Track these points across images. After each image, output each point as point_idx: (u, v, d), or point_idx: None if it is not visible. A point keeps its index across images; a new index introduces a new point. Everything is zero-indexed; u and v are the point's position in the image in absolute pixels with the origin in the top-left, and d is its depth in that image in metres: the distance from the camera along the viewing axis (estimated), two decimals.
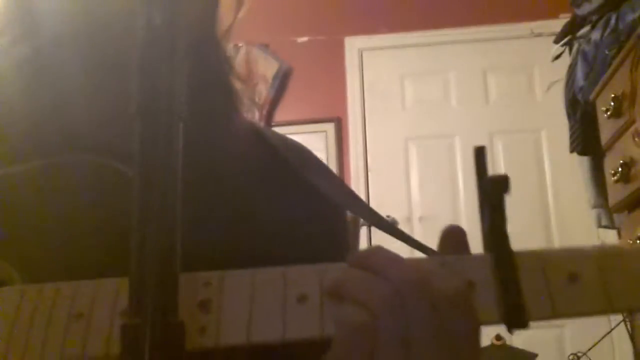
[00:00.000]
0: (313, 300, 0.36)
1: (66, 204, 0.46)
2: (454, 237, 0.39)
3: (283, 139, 0.64)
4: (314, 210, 0.58)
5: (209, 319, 0.35)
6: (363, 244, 2.69)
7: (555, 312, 0.36)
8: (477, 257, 0.37)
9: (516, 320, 0.35)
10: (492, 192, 0.37)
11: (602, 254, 0.37)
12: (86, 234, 0.45)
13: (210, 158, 0.52)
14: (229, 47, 0.61)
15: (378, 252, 0.36)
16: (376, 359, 0.33)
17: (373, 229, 2.91)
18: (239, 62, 3.27)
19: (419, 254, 0.47)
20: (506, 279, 0.36)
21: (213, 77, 0.59)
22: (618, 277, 0.36)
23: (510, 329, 0.36)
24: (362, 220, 2.84)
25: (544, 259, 0.37)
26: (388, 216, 2.99)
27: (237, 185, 0.55)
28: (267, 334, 0.35)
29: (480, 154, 0.38)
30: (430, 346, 0.33)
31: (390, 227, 0.52)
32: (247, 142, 0.60)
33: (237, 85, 0.61)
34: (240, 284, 0.37)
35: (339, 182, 0.60)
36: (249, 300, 0.36)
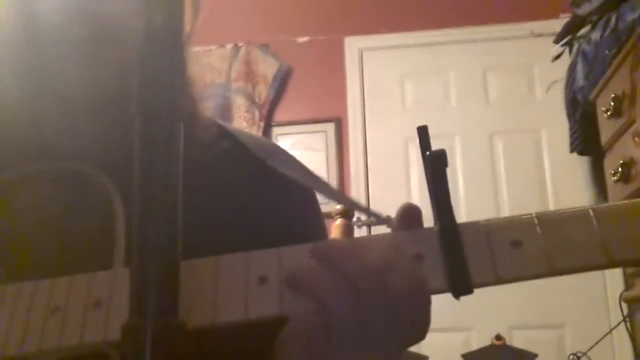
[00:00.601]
0: (273, 281, 0.38)
1: (50, 210, 0.46)
2: (409, 213, 0.41)
3: (250, 135, 0.65)
4: (284, 198, 0.60)
5: None
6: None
7: (499, 278, 0.37)
8: (425, 230, 0.40)
9: (461, 286, 0.37)
10: (433, 165, 0.39)
11: (544, 220, 0.38)
12: (65, 242, 0.46)
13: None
14: (189, 52, 0.60)
15: (336, 243, 0.39)
16: (330, 346, 0.36)
17: (372, 230, 2.91)
18: (239, 62, 3.28)
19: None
20: (450, 248, 0.38)
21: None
22: (559, 241, 0.37)
23: (456, 295, 0.38)
24: (360, 221, 2.84)
25: (487, 228, 0.39)
26: (388, 216, 2.98)
27: (199, 182, 0.55)
28: (230, 315, 0.37)
29: (423, 132, 0.41)
30: (384, 331, 0.36)
31: (360, 206, 0.54)
32: (210, 136, 0.60)
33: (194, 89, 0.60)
34: (205, 268, 0.39)
35: (304, 169, 0.61)
36: (213, 284, 0.38)
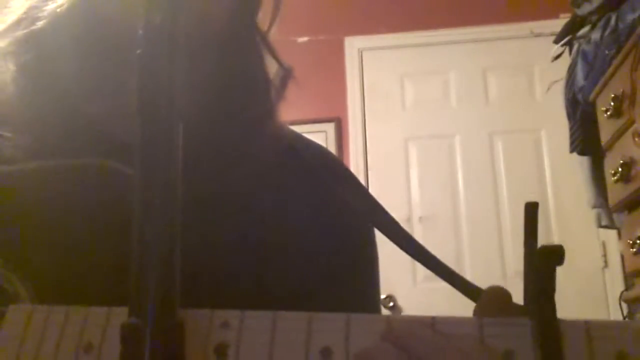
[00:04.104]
0: (338, 356, 0.33)
1: (69, 206, 0.45)
2: (496, 298, 0.37)
3: (316, 150, 0.62)
4: (342, 229, 0.56)
5: None
6: None
7: None
8: (519, 323, 0.34)
9: None
10: (546, 261, 0.34)
11: None
12: (90, 236, 0.45)
13: (235, 163, 0.51)
14: (271, 48, 0.59)
15: (415, 329, 0.34)
16: None
17: None
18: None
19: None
20: (549, 352, 0.33)
21: (242, 79, 0.57)
22: None
23: None
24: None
25: (590, 332, 0.34)
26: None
27: (257, 190, 0.53)
28: None
29: (531, 211, 0.35)
30: None
31: (418, 249, 0.49)
32: (276, 151, 0.57)
33: (272, 89, 0.58)
34: (261, 328, 0.34)
35: (366, 194, 0.57)
36: (269, 348, 0.33)
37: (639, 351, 0.33)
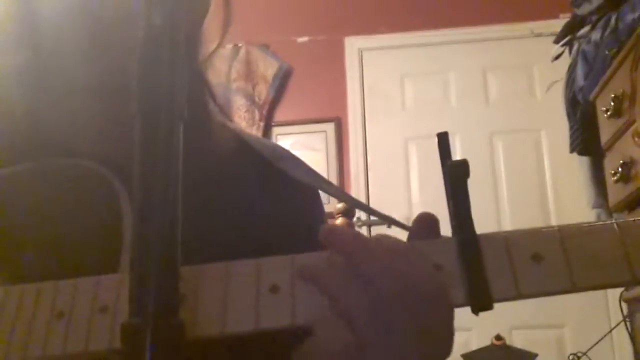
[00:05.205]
0: (285, 290, 0.37)
1: (52, 208, 0.45)
2: (425, 222, 0.40)
3: (256, 137, 0.66)
4: (290, 197, 0.60)
5: (184, 314, 0.35)
6: None
7: (519, 293, 0.36)
8: (443, 241, 0.38)
9: (481, 301, 0.36)
10: (454, 175, 0.38)
11: (566, 234, 0.37)
12: (71, 237, 0.45)
13: (190, 164, 0.52)
14: (207, 53, 0.60)
15: (349, 233, 0.37)
16: (356, 350, 0.34)
17: (372, 230, 2.91)
18: (239, 62, 3.28)
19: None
20: (470, 261, 0.36)
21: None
22: (581, 257, 0.36)
23: (475, 310, 0.36)
24: (360, 221, 2.84)
25: (508, 241, 0.37)
26: (390, 217, 2.98)
27: (218, 186, 0.56)
28: (240, 325, 0.36)
29: (443, 139, 0.39)
30: (410, 341, 0.34)
31: (363, 205, 0.53)
32: (228, 146, 0.60)
33: (216, 93, 0.61)
34: (215, 277, 0.37)
35: (309, 169, 0.61)
36: (223, 292, 0.37)
37: (551, 251, 0.37)
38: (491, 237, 0.37)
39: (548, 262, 0.36)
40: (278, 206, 0.59)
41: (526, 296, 0.36)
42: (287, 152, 0.64)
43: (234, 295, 0.37)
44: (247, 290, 0.37)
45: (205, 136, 0.58)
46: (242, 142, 0.62)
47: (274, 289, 0.37)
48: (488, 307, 0.36)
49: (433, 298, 0.35)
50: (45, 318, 0.38)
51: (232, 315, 0.36)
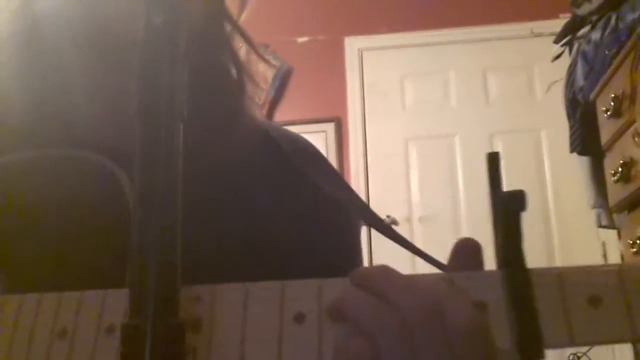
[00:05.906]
0: (311, 320, 0.33)
1: (55, 198, 0.45)
2: (467, 250, 0.36)
3: (291, 138, 0.64)
4: (317, 211, 0.57)
5: (200, 339, 0.33)
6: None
7: (573, 339, 0.32)
8: (489, 274, 0.34)
9: (531, 348, 0.31)
10: (509, 207, 0.34)
11: (627, 275, 0.33)
12: (74, 229, 0.44)
13: (213, 159, 0.52)
14: (237, 45, 0.61)
15: (384, 273, 0.33)
16: None
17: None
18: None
19: (418, 259, 0.45)
20: (521, 300, 0.32)
21: (218, 77, 0.59)
22: None
23: (524, 357, 0.32)
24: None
25: (562, 278, 0.33)
26: (388, 216, 2.99)
27: (239, 185, 0.55)
28: (261, 356, 0.33)
29: (493, 160, 0.35)
30: None
31: (389, 230, 0.50)
32: (253, 143, 0.59)
33: (246, 84, 0.60)
34: (234, 300, 0.34)
35: (342, 182, 0.59)
36: (242, 319, 0.33)
37: (612, 294, 0.32)
38: (542, 272, 0.33)
39: (606, 305, 0.32)
40: (296, 206, 0.57)
41: (580, 344, 0.32)
42: (318, 155, 0.63)
43: (255, 323, 0.33)
44: (269, 318, 0.33)
45: (233, 130, 0.57)
46: (267, 138, 0.61)
47: (299, 318, 0.33)
48: (539, 355, 0.31)
49: (473, 338, 0.31)
50: (46, 336, 0.35)
51: (251, 346, 0.33)
